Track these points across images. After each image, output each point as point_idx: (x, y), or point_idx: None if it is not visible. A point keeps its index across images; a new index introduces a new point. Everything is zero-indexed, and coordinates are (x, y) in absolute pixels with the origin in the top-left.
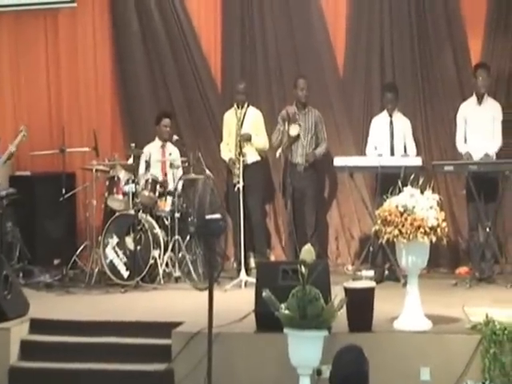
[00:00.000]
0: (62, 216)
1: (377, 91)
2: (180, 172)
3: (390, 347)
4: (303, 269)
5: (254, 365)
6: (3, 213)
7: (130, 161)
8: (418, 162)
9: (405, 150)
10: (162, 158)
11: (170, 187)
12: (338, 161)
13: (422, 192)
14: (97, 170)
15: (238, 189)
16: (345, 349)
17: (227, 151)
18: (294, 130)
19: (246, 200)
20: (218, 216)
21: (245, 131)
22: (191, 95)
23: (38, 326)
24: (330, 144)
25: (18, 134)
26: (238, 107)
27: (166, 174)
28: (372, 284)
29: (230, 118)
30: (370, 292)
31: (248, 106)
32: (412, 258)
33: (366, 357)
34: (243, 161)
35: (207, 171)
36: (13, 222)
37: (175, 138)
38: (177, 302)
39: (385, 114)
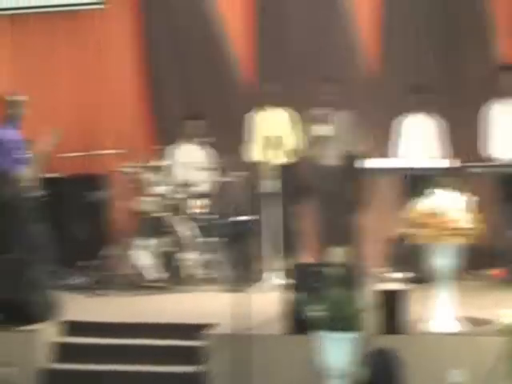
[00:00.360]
0: (92, 218)
1: (406, 92)
2: (210, 174)
3: (422, 349)
4: (334, 271)
5: (284, 367)
6: (33, 214)
7: (161, 162)
8: (448, 163)
9: (434, 152)
10: (191, 160)
11: (200, 189)
12: (367, 163)
13: (452, 193)
14: (126, 172)
15: (268, 190)
16: (377, 352)
17: (257, 152)
18: (323, 132)
19: (277, 202)
20: (247, 218)
21: (275, 133)
22: (221, 96)
23: (68, 328)
24: (361, 145)
25: (50, 137)
26: (269, 108)
27: (196, 176)
28: (403, 286)
29: (260, 119)
30: (400, 294)
31: (279, 107)
32: (443, 259)
33: (398, 359)
34: (273, 163)
35: (237, 173)
36: (42, 223)
37: (205, 139)
38: (207, 304)
39: (413, 115)
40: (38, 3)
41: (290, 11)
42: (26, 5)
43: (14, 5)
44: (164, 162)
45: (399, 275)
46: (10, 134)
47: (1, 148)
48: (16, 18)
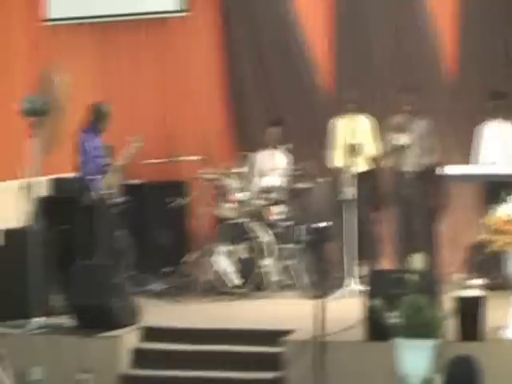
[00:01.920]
0: (173, 224)
1: (485, 98)
2: (289, 180)
3: (501, 356)
4: (412, 277)
5: (363, 373)
6: (115, 221)
7: (241, 168)
8: None
9: None
10: (271, 166)
11: (280, 195)
12: (446, 169)
13: None
14: (208, 179)
15: (348, 197)
16: (457, 359)
17: (337, 159)
18: (402, 140)
19: (355, 208)
20: (326, 224)
21: (356, 140)
22: (301, 103)
23: (149, 333)
24: (439, 153)
25: (133, 144)
26: (350, 115)
27: (275, 182)
28: (481, 293)
29: (341, 125)
30: (479, 301)
31: (360, 114)
32: None
33: (478, 367)
34: (353, 169)
35: (317, 179)
36: (124, 230)
37: (285, 145)
38: (286, 310)
39: (494, 121)
40: (120, 11)
41: (370, 17)
42: (106, 13)
43: (94, 13)
44: (244, 169)
45: (478, 282)
46: (94, 141)
47: (85, 155)
48: (103, 29)
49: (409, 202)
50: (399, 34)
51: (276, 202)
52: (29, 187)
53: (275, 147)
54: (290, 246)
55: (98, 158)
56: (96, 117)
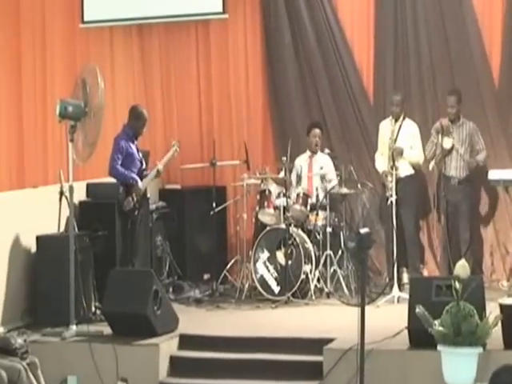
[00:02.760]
0: (213, 230)
1: None
2: (332, 185)
3: None
4: (457, 285)
5: (407, 382)
6: (153, 227)
7: (282, 174)
8: None
9: None
10: (308, 171)
11: (322, 200)
12: (494, 174)
13: None
14: (248, 184)
15: (391, 202)
16: (502, 368)
17: (381, 162)
18: (447, 143)
19: (399, 214)
20: (369, 230)
21: (399, 144)
22: (343, 107)
23: (187, 341)
24: (487, 154)
25: (170, 149)
26: (394, 119)
27: (318, 188)
28: None
29: (385, 128)
30: None
31: (404, 118)
32: None
33: None
34: (396, 174)
35: (359, 185)
36: (162, 236)
37: (327, 151)
38: (328, 318)
39: None
40: (158, 13)
41: (411, 19)
42: (144, 15)
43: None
44: (286, 174)
45: None
46: (132, 145)
47: (122, 159)
48: (140, 31)
49: (455, 207)
50: (444, 37)
51: (318, 208)
52: (69, 192)
53: (313, 151)
54: (333, 252)
55: (136, 161)
56: (133, 119)
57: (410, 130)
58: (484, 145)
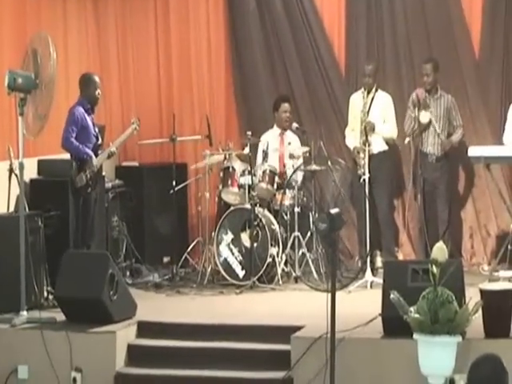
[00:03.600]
0: (173, 210)
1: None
2: (300, 162)
3: None
4: (435, 269)
5: (380, 373)
6: (109, 206)
7: (246, 150)
8: None
9: None
10: (280, 148)
11: (289, 179)
12: (473, 150)
13: None
14: (211, 162)
15: (364, 181)
16: (482, 358)
17: (352, 138)
18: (424, 117)
19: (372, 193)
20: (340, 210)
21: (371, 118)
22: (312, 79)
23: (146, 329)
24: (464, 132)
25: (129, 127)
26: (366, 91)
27: (284, 165)
28: (511, 286)
29: (356, 101)
30: (508, 294)
31: (377, 90)
32: None
33: (505, 367)
34: (369, 150)
35: (329, 162)
36: (119, 216)
37: (295, 125)
38: (296, 304)
39: None
40: None
41: None
42: None
43: None
44: (251, 150)
45: (507, 273)
46: (86, 117)
47: (77, 131)
48: None
49: (432, 186)
50: (421, 5)
51: (285, 187)
52: (19, 169)
53: (284, 127)
54: (301, 234)
55: (91, 136)
56: (84, 86)
57: (383, 102)
58: (461, 121)
